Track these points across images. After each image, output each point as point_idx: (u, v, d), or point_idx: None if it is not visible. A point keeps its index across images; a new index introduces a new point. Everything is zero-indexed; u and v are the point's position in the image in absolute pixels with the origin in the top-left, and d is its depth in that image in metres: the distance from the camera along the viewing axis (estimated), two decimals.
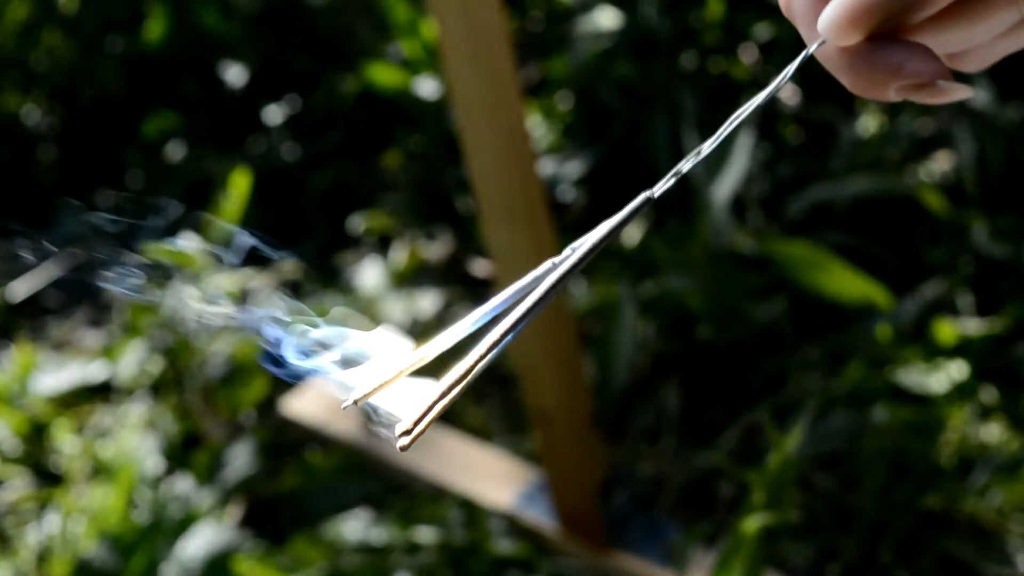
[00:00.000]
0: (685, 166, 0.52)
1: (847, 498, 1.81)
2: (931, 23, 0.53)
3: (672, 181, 0.52)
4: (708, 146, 0.52)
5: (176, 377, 2.30)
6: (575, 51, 2.44)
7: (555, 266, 0.50)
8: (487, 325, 0.50)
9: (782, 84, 0.54)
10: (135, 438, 2.17)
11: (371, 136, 2.88)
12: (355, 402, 0.48)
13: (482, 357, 0.47)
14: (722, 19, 2.47)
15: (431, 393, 0.46)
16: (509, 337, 0.48)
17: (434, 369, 0.50)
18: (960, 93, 0.52)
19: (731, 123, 0.53)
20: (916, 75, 0.51)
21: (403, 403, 0.48)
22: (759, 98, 0.54)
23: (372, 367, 0.50)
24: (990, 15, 0.53)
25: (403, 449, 0.45)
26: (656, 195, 0.52)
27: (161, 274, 0.59)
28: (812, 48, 0.54)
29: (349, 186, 2.84)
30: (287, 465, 2.13)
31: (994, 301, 2.04)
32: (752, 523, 1.61)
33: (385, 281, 2.48)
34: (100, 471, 2.13)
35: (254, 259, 0.58)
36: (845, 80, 0.53)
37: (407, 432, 0.45)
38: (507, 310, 0.49)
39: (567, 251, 0.50)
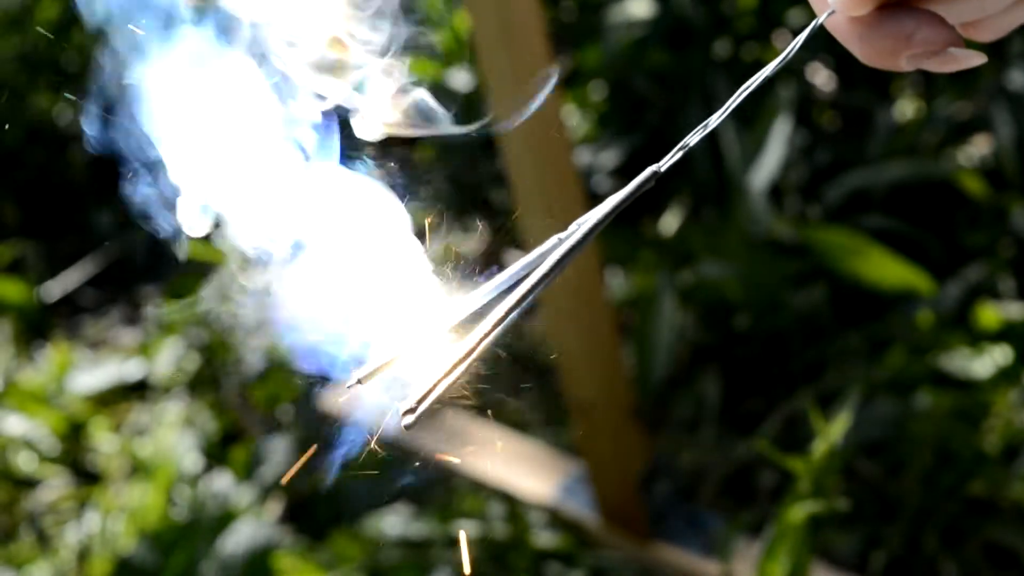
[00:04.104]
0: (692, 139, 0.52)
1: (891, 486, 1.80)
2: None
3: (680, 155, 0.51)
4: (716, 119, 0.52)
5: (212, 374, 2.30)
6: (608, 40, 2.42)
7: (561, 241, 0.49)
8: (493, 301, 0.49)
9: (790, 54, 0.53)
10: (173, 436, 2.17)
11: None
12: (359, 381, 0.47)
13: (486, 335, 0.46)
14: (755, 6, 2.45)
15: (435, 372, 0.46)
16: (514, 314, 0.47)
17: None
18: (973, 60, 0.51)
19: (738, 96, 0.52)
20: (927, 43, 0.50)
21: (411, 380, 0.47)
22: (767, 70, 0.53)
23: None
24: None
25: (408, 428, 0.45)
26: (663, 169, 0.51)
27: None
28: (821, 18, 0.52)
29: None
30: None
31: None
32: (798, 512, 1.59)
33: None
34: (138, 469, 2.14)
35: None
36: (856, 50, 0.52)
37: (411, 411, 0.45)
38: (513, 286, 0.49)
39: (573, 226, 0.50)
